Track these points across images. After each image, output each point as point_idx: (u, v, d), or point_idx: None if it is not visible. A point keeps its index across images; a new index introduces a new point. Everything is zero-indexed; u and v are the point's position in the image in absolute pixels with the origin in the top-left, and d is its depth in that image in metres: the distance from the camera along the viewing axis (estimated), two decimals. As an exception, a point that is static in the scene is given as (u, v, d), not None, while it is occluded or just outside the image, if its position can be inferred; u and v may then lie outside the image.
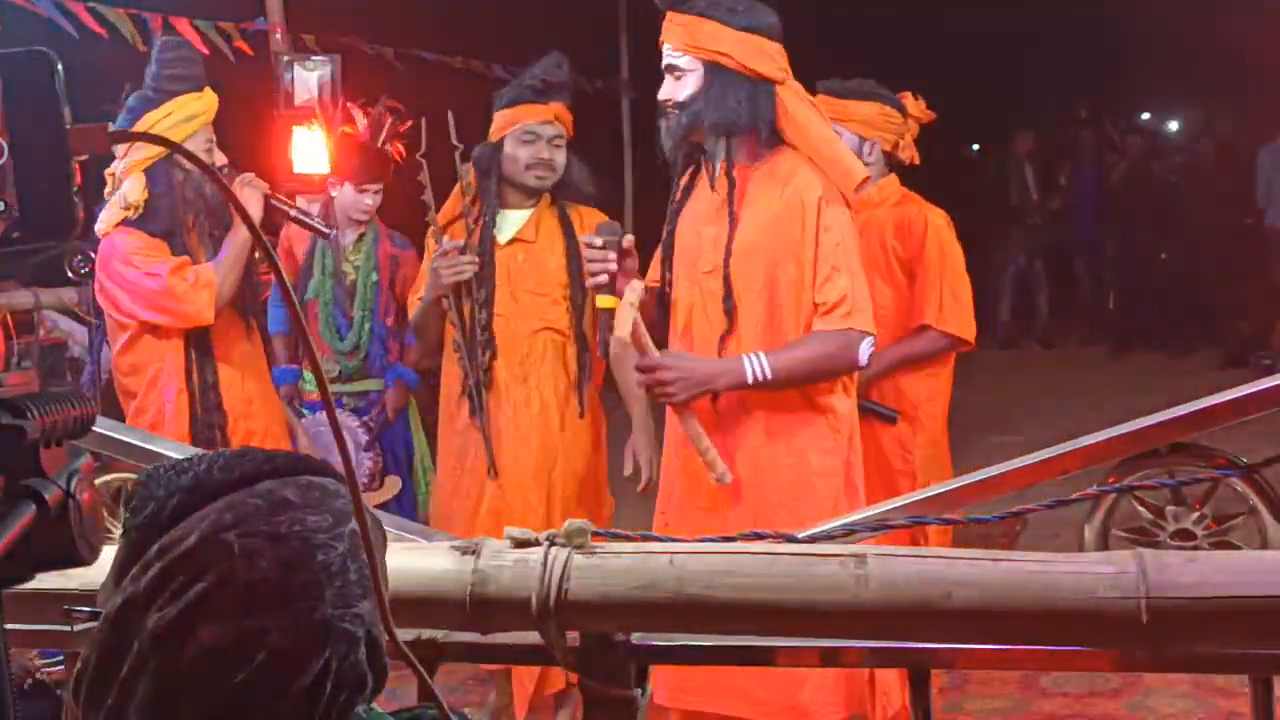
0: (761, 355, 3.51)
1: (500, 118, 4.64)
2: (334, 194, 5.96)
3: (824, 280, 3.55)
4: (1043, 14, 17.28)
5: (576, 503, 4.68)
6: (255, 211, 4.40)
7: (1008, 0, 16.97)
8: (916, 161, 4.90)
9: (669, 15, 3.66)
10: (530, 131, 4.59)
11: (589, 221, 4.56)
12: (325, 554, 1.34)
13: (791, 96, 3.60)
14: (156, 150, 4.36)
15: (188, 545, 1.33)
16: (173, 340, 4.45)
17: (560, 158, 4.63)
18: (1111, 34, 17.04)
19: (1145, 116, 18.39)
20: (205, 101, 4.43)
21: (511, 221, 4.68)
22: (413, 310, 4.83)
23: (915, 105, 4.92)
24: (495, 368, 4.63)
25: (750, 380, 3.51)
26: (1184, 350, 12.59)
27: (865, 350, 3.54)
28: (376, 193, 5.91)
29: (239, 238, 4.41)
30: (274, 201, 4.51)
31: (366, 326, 5.88)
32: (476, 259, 4.55)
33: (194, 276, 4.38)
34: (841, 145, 3.62)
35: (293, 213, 4.62)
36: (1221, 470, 2.41)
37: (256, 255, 4.53)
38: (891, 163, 4.89)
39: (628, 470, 4.67)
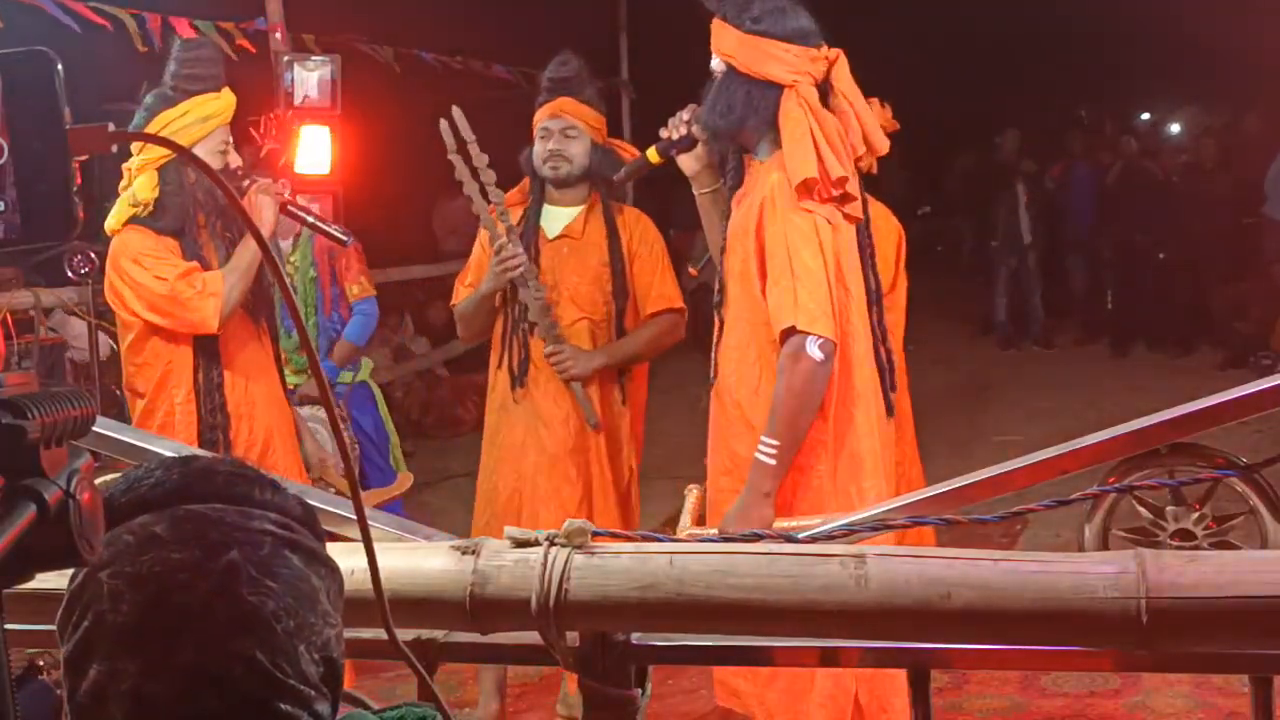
0: (761, 441, 3.55)
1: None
2: None
3: (770, 286, 3.58)
4: (1044, 15, 17.31)
5: (610, 492, 4.89)
6: (269, 218, 4.40)
7: (1010, 2, 17.01)
8: (874, 170, 4.87)
9: (713, 20, 3.75)
10: (543, 129, 4.84)
11: (632, 222, 4.97)
12: (185, 595, 1.29)
13: (792, 100, 3.60)
14: (168, 153, 4.32)
15: (77, 583, 1.33)
16: (181, 342, 4.43)
17: (573, 147, 4.84)
18: (1113, 35, 17.06)
19: (1145, 116, 18.40)
20: (222, 102, 4.40)
21: (559, 218, 4.89)
22: (459, 297, 4.99)
23: (881, 113, 4.88)
24: (540, 358, 4.79)
25: (774, 463, 3.52)
26: (1184, 350, 12.60)
27: (814, 348, 3.50)
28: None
29: (252, 245, 4.37)
30: (291, 208, 4.52)
31: (311, 322, 5.99)
32: (522, 254, 4.70)
33: (201, 284, 4.34)
34: (803, 145, 3.56)
35: (309, 219, 4.62)
36: (1221, 470, 2.40)
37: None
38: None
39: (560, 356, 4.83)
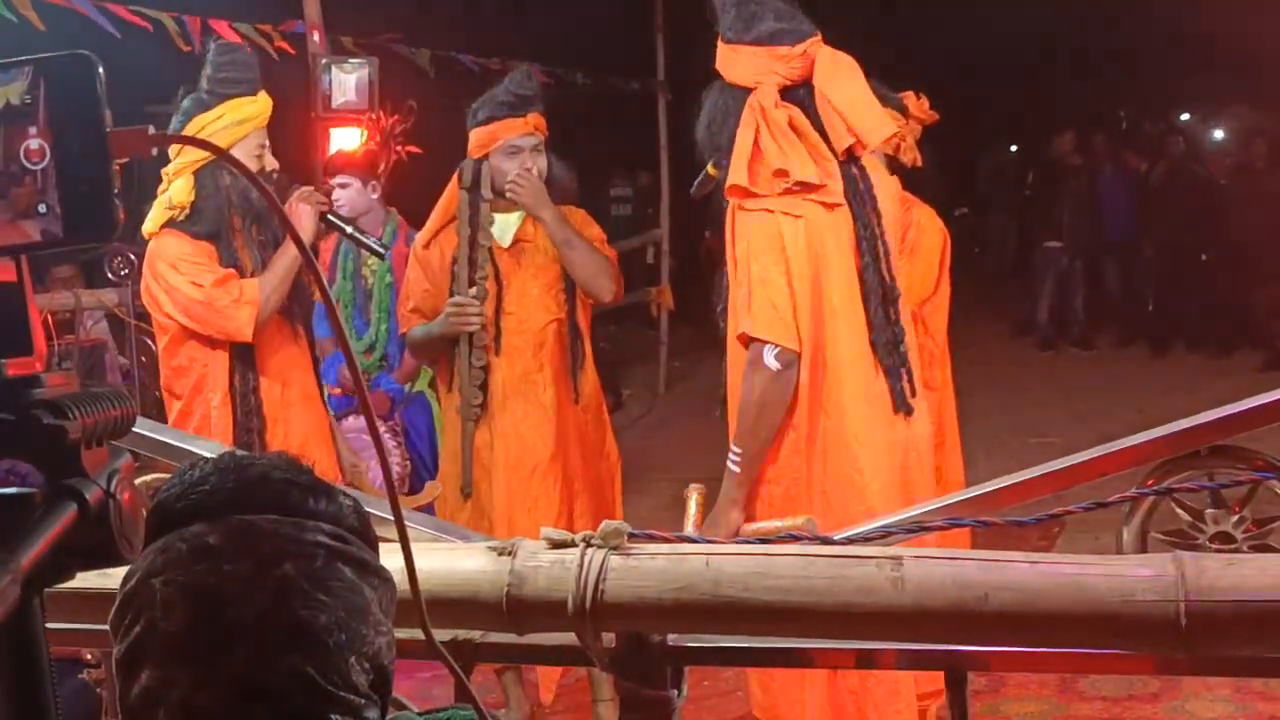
0: (730, 448, 3.60)
1: (480, 134, 4.75)
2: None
3: (734, 288, 3.59)
4: (1084, 15, 17.22)
5: (591, 486, 4.90)
6: (308, 227, 4.42)
7: (1051, 1, 16.93)
8: (919, 164, 4.81)
9: None
10: (513, 146, 4.72)
11: (573, 218, 4.85)
12: (237, 608, 1.30)
13: (750, 103, 3.62)
14: (207, 155, 4.35)
15: (130, 586, 1.34)
16: (217, 346, 4.43)
17: (543, 163, 4.78)
18: (1154, 34, 16.96)
19: (1185, 117, 18.28)
20: (258, 105, 4.42)
21: (507, 225, 4.80)
22: (405, 325, 4.98)
23: (918, 105, 4.84)
24: (501, 366, 4.77)
25: (739, 470, 3.58)
26: (1223, 352, 12.50)
27: (770, 357, 3.51)
28: (343, 186, 6.05)
29: (289, 252, 4.40)
30: (330, 218, 4.54)
31: (383, 327, 6.00)
32: (484, 313, 4.68)
33: (238, 291, 4.36)
34: (740, 148, 3.57)
35: (349, 230, 4.64)
36: (1261, 473, 2.39)
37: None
38: (893, 165, 4.77)
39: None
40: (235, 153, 4.26)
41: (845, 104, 3.65)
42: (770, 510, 3.60)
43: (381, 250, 4.90)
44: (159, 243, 4.42)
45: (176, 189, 4.36)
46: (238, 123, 4.34)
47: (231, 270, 4.40)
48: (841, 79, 3.67)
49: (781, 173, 3.55)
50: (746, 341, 3.56)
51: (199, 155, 4.34)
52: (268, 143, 4.47)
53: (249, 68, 4.51)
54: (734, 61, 3.68)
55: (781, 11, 3.68)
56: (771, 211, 3.56)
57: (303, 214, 4.39)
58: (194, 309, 4.37)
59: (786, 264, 3.53)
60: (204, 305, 4.36)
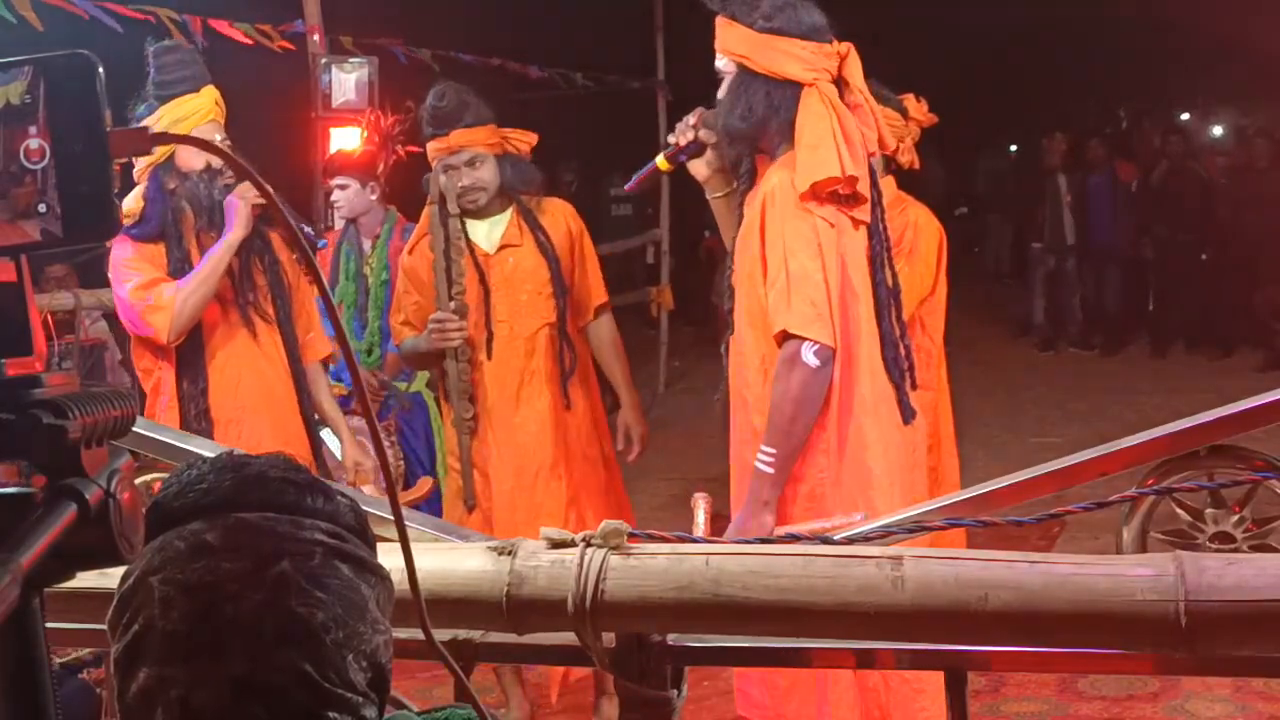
0: (760, 449, 3.52)
1: (428, 150, 4.84)
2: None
3: (768, 288, 3.52)
4: (1084, 14, 17.22)
5: (595, 490, 4.93)
6: (243, 224, 4.39)
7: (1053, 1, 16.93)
8: (916, 166, 4.79)
9: (717, 18, 3.67)
10: (445, 165, 4.76)
11: (556, 216, 4.93)
12: (235, 605, 1.30)
13: (813, 97, 3.53)
14: (155, 158, 4.37)
15: (128, 585, 1.34)
16: (165, 348, 4.43)
17: (484, 173, 4.78)
18: (1153, 35, 16.97)
19: (1185, 117, 18.29)
20: (198, 101, 4.38)
21: (492, 230, 4.84)
22: (398, 336, 5.02)
23: (917, 108, 4.83)
24: (494, 374, 4.79)
25: (772, 471, 3.50)
26: (1223, 352, 12.50)
27: (809, 354, 3.44)
28: (342, 187, 6.07)
29: (216, 253, 4.36)
30: (280, 208, 4.51)
31: (377, 325, 5.99)
32: (464, 326, 4.70)
33: (152, 298, 4.34)
34: (825, 144, 3.47)
35: (291, 221, 4.62)
36: (1261, 473, 2.39)
37: (295, 257, 4.55)
38: (890, 166, 4.71)
39: (619, 445, 5.07)
40: (180, 151, 4.30)
41: (877, 109, 3.63)
42: (793, 509, 3.55)
43: (315, 240, 4.93)
44: (114, 249, 4.44)
45: (130, 196, 4.38)
46: (174, 123, 4.29)
47: (157, 276, 4.38)
48: (863, 82, 3.64)
49: (853, 180, 3.49)
50: (782, 339, 3.48)
51: (148, 161, 4.37)
52: (220, 136, 4.39)
53: (187, 65, 4.45)
54: (776, 52, 3.54)
55: (813, 5, 3.61)
56: (811, 214, 3.49)
57: (239, 209, 4.37)
58: (125, 312, 4.42)
59: (823, 261, 3.47)
60: (129, 308, 4.38)
